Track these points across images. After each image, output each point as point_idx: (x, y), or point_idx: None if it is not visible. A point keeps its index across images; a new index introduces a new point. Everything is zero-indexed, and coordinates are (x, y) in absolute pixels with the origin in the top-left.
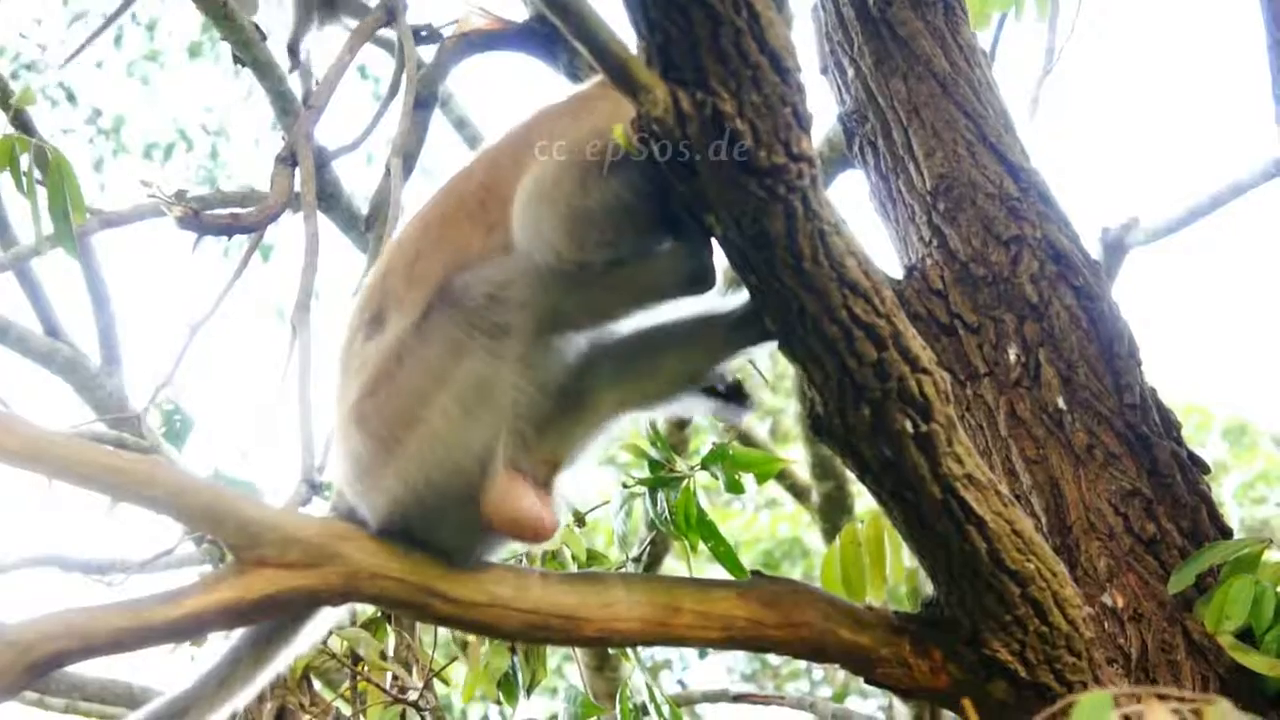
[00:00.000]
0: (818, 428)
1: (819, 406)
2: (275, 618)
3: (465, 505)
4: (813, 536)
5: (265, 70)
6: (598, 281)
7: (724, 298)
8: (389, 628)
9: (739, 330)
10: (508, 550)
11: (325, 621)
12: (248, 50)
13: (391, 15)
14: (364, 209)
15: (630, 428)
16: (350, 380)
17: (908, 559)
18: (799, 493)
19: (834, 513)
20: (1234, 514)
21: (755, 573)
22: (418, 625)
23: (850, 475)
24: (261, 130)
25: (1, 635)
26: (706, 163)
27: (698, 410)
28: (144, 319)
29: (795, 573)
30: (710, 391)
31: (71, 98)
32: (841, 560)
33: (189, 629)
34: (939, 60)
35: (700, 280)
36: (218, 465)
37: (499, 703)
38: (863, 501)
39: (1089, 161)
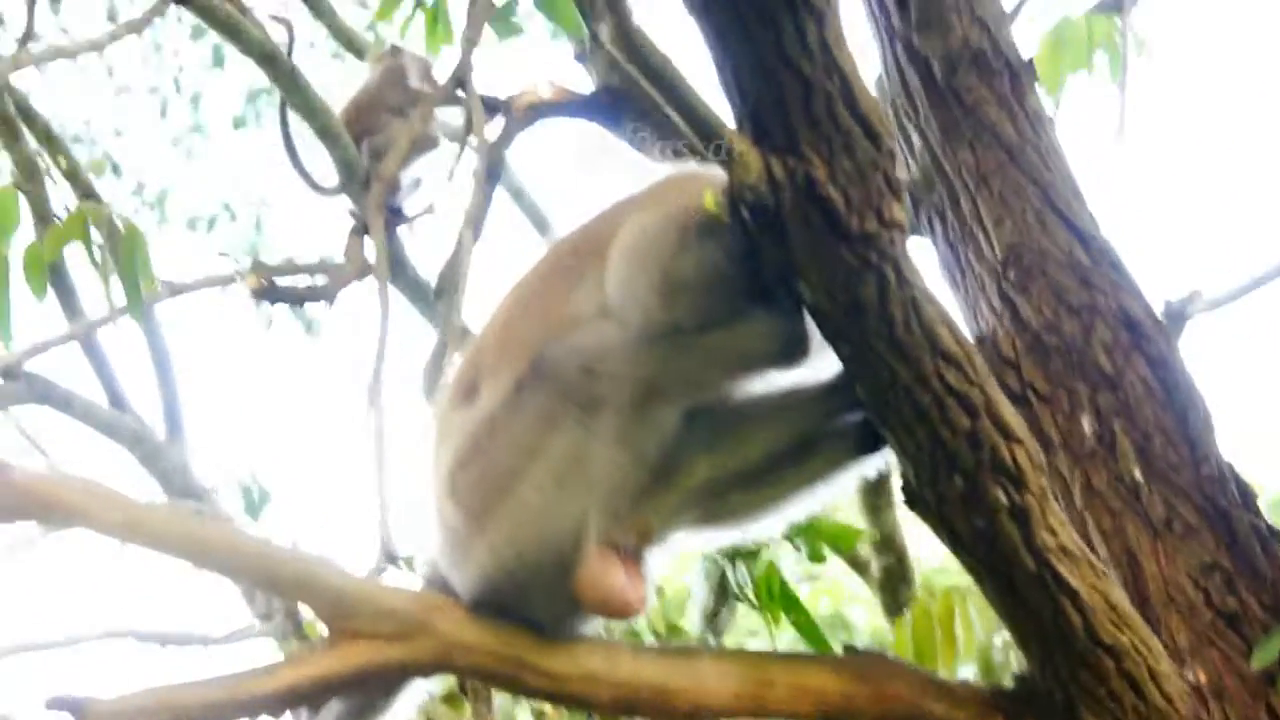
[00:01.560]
0: (910, 499)
1: (910, 477)
2: (368, 689)
3: (557, 580)
4: (856, 610)
5: (333, 139)
6: (691, 351)
7: (816, 368)
8: (465, 700)
9: (830, 398)
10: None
11: (416, 693)
12: (315, 118)
13: (461, 84)
14: (423, 275)
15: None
16: (443, 451)
17: (979, 633)
18: (858, 566)
19: (894, 585)
20: None
21: (847, 647)
22: (495, 698)
23: (910, 548)
24: (305, 198)
25: (94, 710)
26: (798, 229)
27: (813, 482)
28: (207, 390)
29: (837, 647)
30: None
31: (116, 169)
32: (914, 634)
33: (283, 702)
34: (1006, 128)
35: (794, 350)
36: (296, 538)
37: None
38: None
39: (1156, 225)
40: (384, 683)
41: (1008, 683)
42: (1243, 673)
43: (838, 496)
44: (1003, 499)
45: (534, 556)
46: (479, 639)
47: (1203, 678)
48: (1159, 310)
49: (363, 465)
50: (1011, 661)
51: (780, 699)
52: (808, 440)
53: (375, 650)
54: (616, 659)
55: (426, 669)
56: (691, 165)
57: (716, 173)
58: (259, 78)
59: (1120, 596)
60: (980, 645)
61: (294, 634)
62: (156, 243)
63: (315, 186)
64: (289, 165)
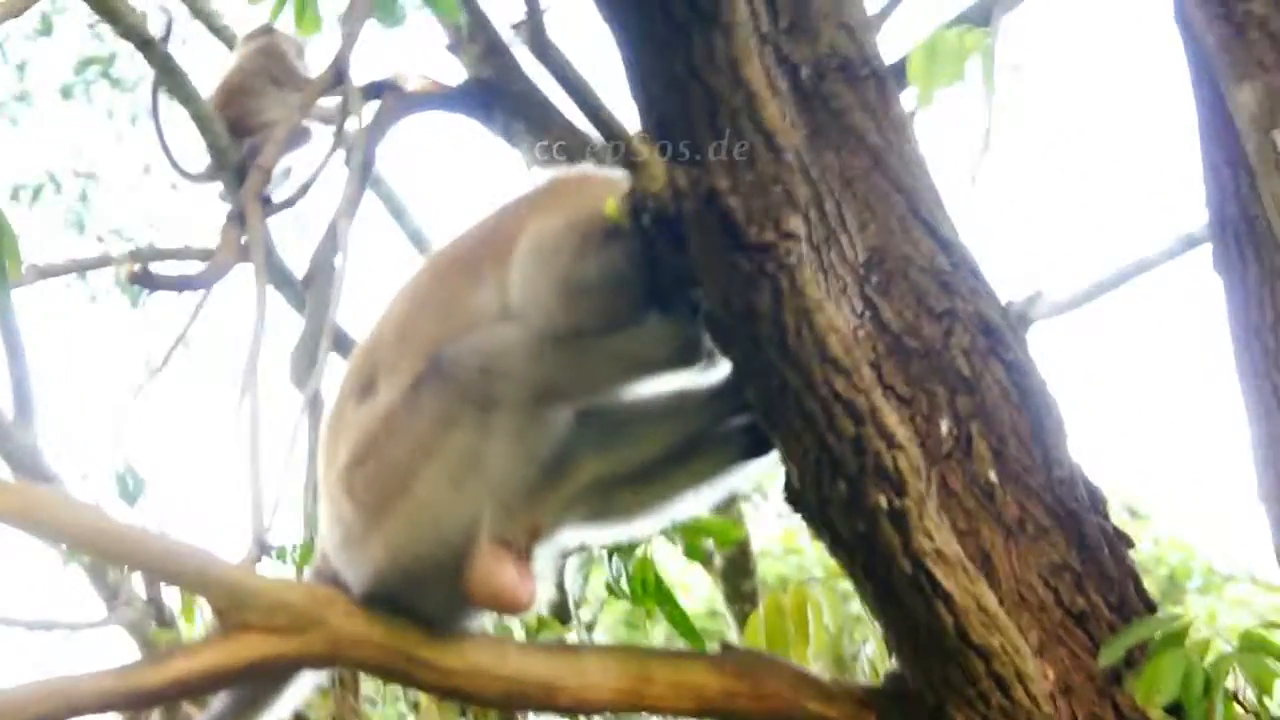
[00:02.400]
0: (793, 500)
1: (795, 479)
2: (259, 681)
3: (449, 576)
4: (689, 592)
5: (206, 125)
6: (588, 353)
7: (705, 372)
8: (332, 691)
9: (719, 402)
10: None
11: (305, 686)
12: (190, 104)
13: (340, 77)
14: (290, 262)
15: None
16: (339, 447)
17: (830, 627)
18: (701, 557)
19: (737, 576)
20: None
21: (724, 645)
22: (360, 687)
23: (752, 540)
24: (134, 176)
25: None
26: (698, 237)
27: (699, 483)
28: (60, 375)
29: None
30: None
31: None
32: (766, 629)
33: (176, 692)
34: (871, 134)
35: (691, 354)
36: (166, 526)
37: None
38: (765, 566)
39: (1017, 231)
40: (276, 675)
41: (858, 677)
42: (1090, 671)
43: (722, 497)
44: (883, 503)
45: (427, 552)
46: (369, 633)
47: (1051, 675)
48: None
49: (235, 453)
50: (861, 655)
51: (660, 695)
52: (695, 442)
53: (267, 643)
54: (504, 654)
55: (318, 662)
56: (587, 167)
57: (610, 175)
58: (89, 47)
59: (991, 600)
60: (831, 640)
61: (157, 621)
62: None
63: (184, 174)
64: (117, 139)
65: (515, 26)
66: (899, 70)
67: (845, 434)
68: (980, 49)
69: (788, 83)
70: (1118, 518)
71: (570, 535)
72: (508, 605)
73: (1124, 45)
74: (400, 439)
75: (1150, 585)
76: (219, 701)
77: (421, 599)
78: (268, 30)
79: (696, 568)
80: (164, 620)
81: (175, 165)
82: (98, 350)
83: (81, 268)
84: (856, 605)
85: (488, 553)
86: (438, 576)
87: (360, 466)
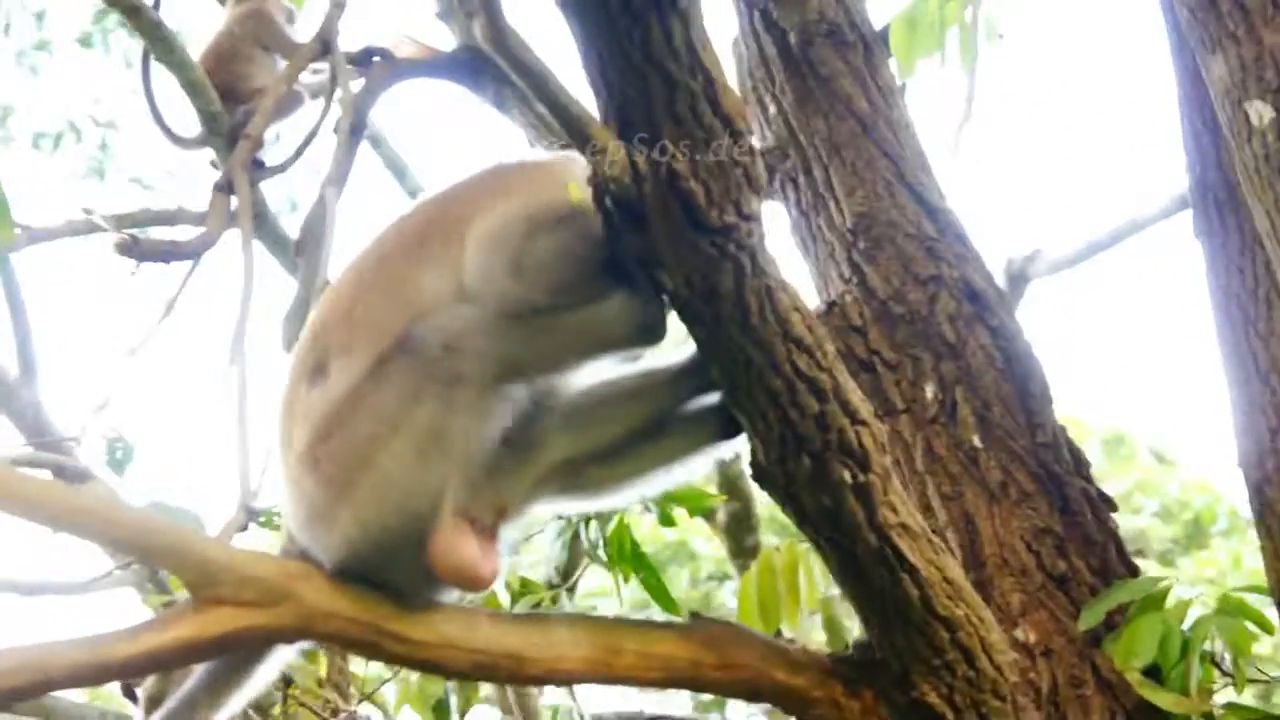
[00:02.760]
0: (759, 475)
1: (760, 455)
2: (230, 655)
3: (413, 549)
4: (699, 542)
5: (197, 91)
6: (550, 331)
7: (671, 351)
8: (322, 653)
9: (683, 380)
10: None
11: (280, 659)
12: (181, 71)
13: (327, 46)
14: (284, 226)
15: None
16: (297, 427)
17: (823, 588)
18: (705, 512)
19: (740, 532)
20: None
21: (694, 615)
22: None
23: (756, 494)
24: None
25: None
26: (660, 220)
27: (670, 462)
28: (64, 333)
29: (683, 575)
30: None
31: None
32: (758, 588)
33: (146, 665)
34: (859, 100)
35: (651, 332)
36: (155, 492)
37: None
38: (768, 520)
39: (1003, 194)
40: (247, 648)
41: (849, 635)
42: (1070, 633)
43: (694, 475)
44: (848, 478)
45: (393, 525)
46: (339, 606)
47: (1033, 637)
48: (1000, 269)
49: (224, 418)
50: (852, 614)
51: (629, 665)
52: (665, 422)
53: (239, 617)
54: (474, 626)
55: (289, 636)
56: (540, 151)
57: (567, 158)
58: None
59: (956, 571)
60: (824, 600)
61: (152, 584)
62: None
63: (175, 139)
64: (136, 88)
65: (470, 15)
66: (886, 36)
67: (809, 411)
68: (959, 19)
69: (776, 48)
70: (1145, 462)
71: (541, 511)
72: (469, 580)
73: (1107, 7)
74: (365, 415)
75: (1176, 529)
76: (199, 672)
77: (390, 572)
78: (261, 14)
79: (699, 526)
80: (159, 582)
81: (167, 131)
82: (100, 308)
83: (74, 232)
84: None
85: (450, 527)
86: (404, 550)
87: (323, 444)
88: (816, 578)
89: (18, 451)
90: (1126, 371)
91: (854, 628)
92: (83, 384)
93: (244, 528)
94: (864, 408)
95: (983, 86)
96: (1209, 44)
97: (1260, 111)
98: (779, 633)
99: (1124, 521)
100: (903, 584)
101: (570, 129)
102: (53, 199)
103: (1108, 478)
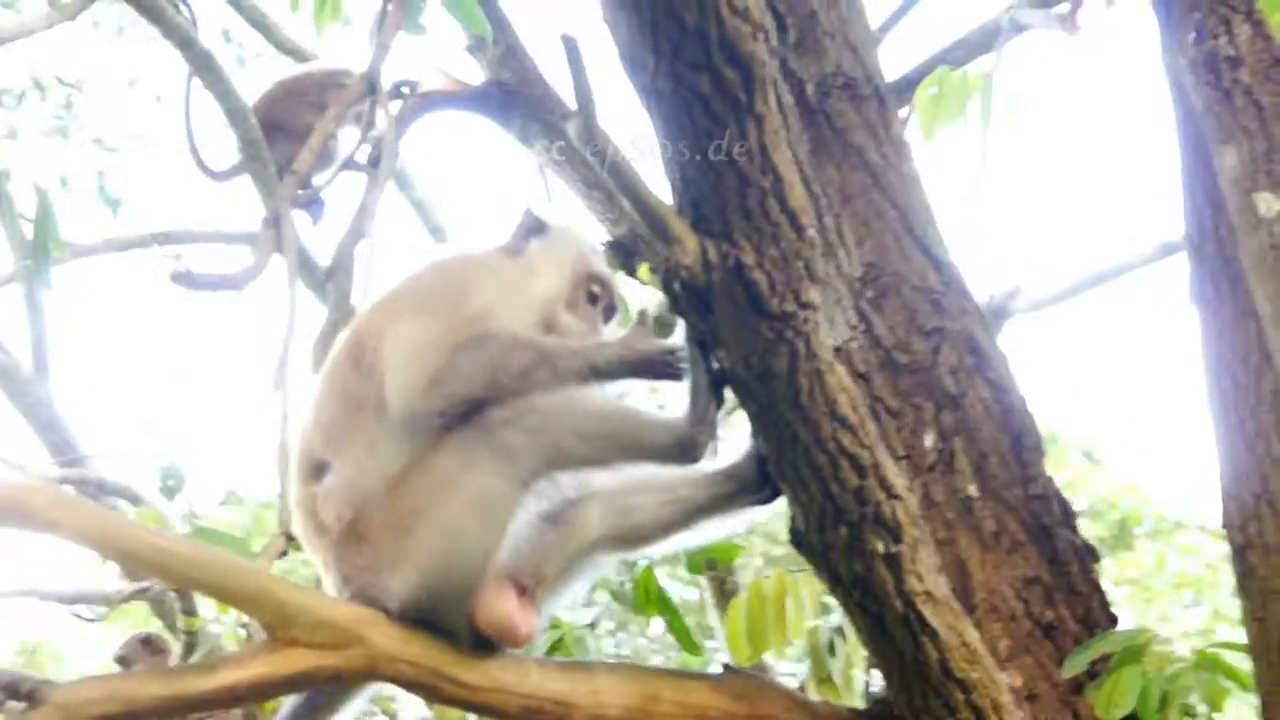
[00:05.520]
0: (797, 542)
1: (800, 523)
2: (300, 693)
3: (459, 603)
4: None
5: (239, 119)
6: (596, 438)
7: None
8: None
9: (723, 483)
10: None
11: (365, 697)
12: (225, 100)
13: (373, 88)
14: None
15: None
16: (323, 515)
17: (809, 618)
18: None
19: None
20: None
21: (726, 667)
22: None
23: None
24: (121, 90)
25: (51, 698)
26: (725, 305)
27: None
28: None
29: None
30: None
31: None
32: (747, 615)
33: (222, 699)
34: (871, 152)
35: (689, 453)
36: (194, 510)
37: None
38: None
39: (997, 232)
40: (316, 687)
41: (827, 663)
42: (1054, 679)
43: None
44: (880, 548)
45: (442, 581)
46: (403, 651)
47: (1019, 681)
48: (984, 303)
49: (263, 441)
50: (835, 644)
51: (666, 713)
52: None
53: (311, 657)
54: (525, 672)
55: (356, 677)
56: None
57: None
58: None
59: (973, 635)
60: (809, 630)
61: (182, 602)
62: None
63: (208, 172)
64: (105, 49)
65: (565, 117)
66: (899, 89)
67: (849, 485)
68: (981, 88)
69: (793, 97)
70: (1075, 463)
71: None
72: (507, 635)
73: (1115, 71)
74: (426, 476)
75: (1102, 529)
76: (287, 707)
77: (446, 621)
78: (348, 73)
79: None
80: (189, 602)
81: (201, 164)
82: (134, 318)
83: (118, 247)
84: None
85: (494, 584)
86: (452, 602)
87: (374, 514)
88: (805, 607)
89: (66, 471)
90: (1066, 375)
91: (837, 660)
92: (114, 395)
93: (283, 553)
94: (899, 483)
95: (995, 151)
96: (1221, 135)
97: (1269, 203)
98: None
99: None
100: (924, 647)
101: (649, 219)
102: (20, 156)
103: None
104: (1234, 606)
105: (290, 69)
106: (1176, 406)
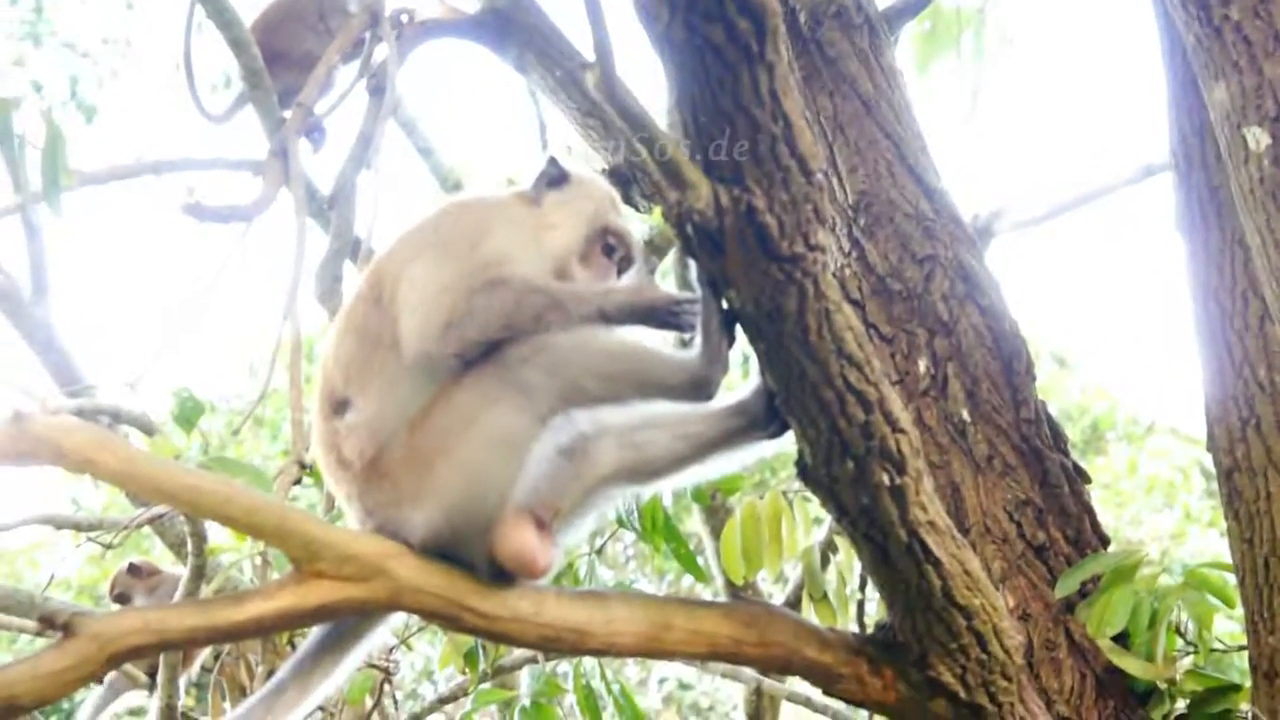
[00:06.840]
0: (804, 475)
1: (808, 457)
2: (327, 623)
3: (480, 535)
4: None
5: (242, 48)
6: (613, 373)
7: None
8: None
9: (732, 419)
10: None
11: (388, 626)
12: (229, 29)
13: (375, 19)
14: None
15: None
16: (344, 449)
17: (803, 539)
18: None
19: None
20: None
21: (735, 595)
22: None
23: None
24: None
25: (86, 629)
26: (735, 248)
27: (711, 469)
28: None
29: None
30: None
31: None
32: (742, 534)
33: (251, 630)
34: (864, 81)
35: (702, 388)
36: (206, 444)
37: (463, 672)
38: None
39: (983, 154)
40: (342, 618)
41: (822, 582)
42: (1047, 600)
43: (736, 467)
44: (885, 480)
45: (463, 515)
46: (426, 583)
47: (1011, 602)
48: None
49: (274, 373)
50: (831, 564)
51: (678, 641)
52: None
53: (336, 589)
54: (542, 603)
55: (380, 608)
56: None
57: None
58: None
59: (975, 564)
60: (804, 549)
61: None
62: None
63: (208, 115)
64: None
65: (585, 66)
66: (890, 17)
67: (855, 420)
68: (973, 24)
69: (785, 26)
70: (1047, 368)
71: (592, 520)
72: (526, 567)
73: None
74: (447, 412)
75: (1074, 434)
76: (308, 643)
77: (467, 553)
78: None
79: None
80: (195, 525)
81: (199, 107)
82: (142, 245)
83: (126, 174)
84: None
85: (512, 519)
86: (474, 535)
87: (399, 447)
88: (798, 529)
89: (79, 402)
90: (1043, 287)
91: (831, 578)
92: (120, 325)
93: (297, 480)
94: (904, 417)
95: (990, 79)
96: (1213, 70)
97: (1258, 137)
98: (747, 585)
99: None
100: (927, 575)
101: (663, 165)
102: None
103: None
104: (1205, 510)
105: None
106: (1148, 315)
